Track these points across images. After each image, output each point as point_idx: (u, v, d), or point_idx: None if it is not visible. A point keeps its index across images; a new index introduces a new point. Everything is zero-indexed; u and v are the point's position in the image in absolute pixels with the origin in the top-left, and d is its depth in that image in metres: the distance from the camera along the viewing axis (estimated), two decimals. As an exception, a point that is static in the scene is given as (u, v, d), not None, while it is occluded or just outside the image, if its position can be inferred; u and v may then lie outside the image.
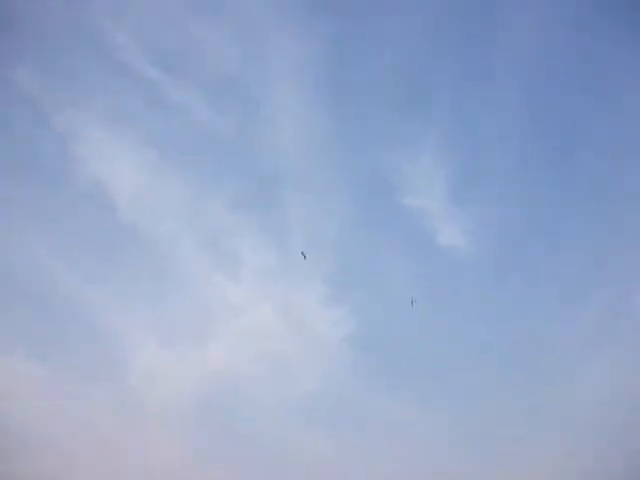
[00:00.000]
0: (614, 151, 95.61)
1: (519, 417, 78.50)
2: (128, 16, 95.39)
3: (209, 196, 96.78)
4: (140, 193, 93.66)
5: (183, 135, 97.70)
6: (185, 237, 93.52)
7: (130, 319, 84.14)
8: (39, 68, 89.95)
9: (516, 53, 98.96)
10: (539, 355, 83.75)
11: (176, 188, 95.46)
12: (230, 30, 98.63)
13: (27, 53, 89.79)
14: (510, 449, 74.52)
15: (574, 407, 77.05)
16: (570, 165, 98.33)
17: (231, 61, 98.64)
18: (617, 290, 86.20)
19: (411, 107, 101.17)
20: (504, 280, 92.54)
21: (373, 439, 78.39)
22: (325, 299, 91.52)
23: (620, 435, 72.42)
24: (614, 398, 75.71)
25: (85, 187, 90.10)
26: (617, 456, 70.73)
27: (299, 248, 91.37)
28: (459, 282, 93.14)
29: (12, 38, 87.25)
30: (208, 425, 78.27)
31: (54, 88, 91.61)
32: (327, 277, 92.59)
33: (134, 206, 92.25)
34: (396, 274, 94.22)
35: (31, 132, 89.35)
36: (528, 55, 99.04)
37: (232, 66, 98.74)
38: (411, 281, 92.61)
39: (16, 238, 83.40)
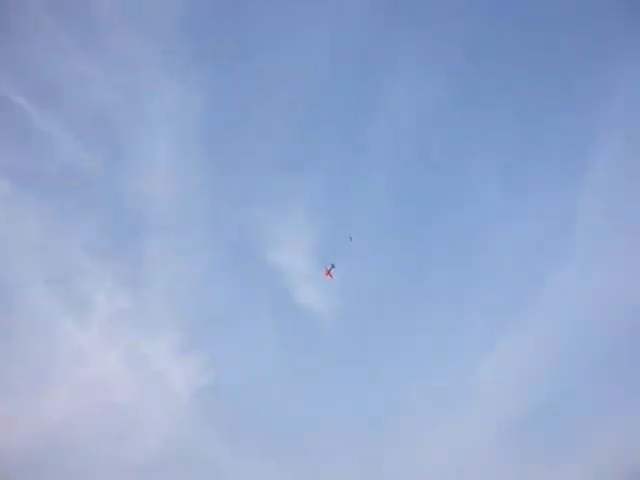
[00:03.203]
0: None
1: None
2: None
3: (65, 234, 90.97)
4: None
5: (44, 167, 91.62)
6: (34, 274, 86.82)
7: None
8: None
9: (388, 128, 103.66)
10: (396, 420, 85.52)
11: (30, 222, 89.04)
12: (111, 70, 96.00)
13: None
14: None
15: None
16: (431, 236, 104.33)
17: (107, 100, 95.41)
18: (466, 356, 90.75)
19: (286, 166, 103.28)
20: (361, 344, 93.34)
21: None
22: (180, 348, 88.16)
23: None
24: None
25: None
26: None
27: (157, 296, 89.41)
28: (317, 341, 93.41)
29: None
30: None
31: None
32: (185, 326, 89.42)
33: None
34: (258, 328, 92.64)
35: None
36: (399, 130, 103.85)
37: (107, 105, 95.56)
38: (271, 336, 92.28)
39: None
